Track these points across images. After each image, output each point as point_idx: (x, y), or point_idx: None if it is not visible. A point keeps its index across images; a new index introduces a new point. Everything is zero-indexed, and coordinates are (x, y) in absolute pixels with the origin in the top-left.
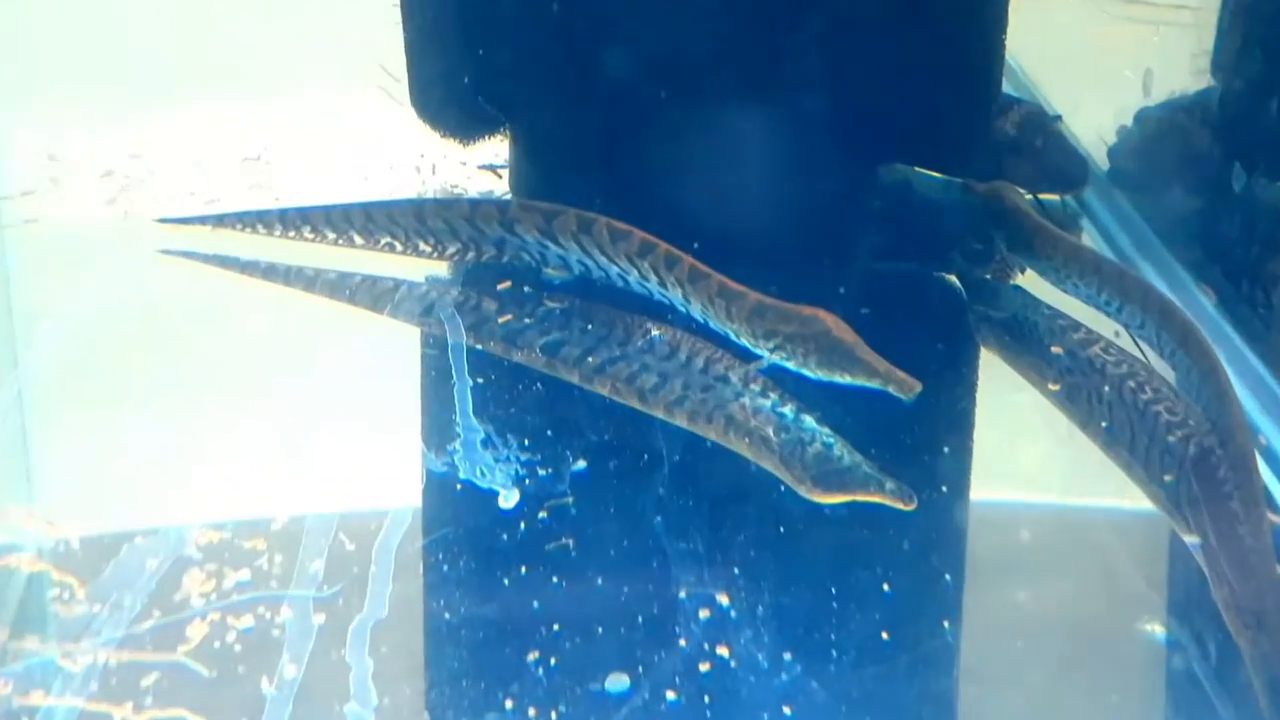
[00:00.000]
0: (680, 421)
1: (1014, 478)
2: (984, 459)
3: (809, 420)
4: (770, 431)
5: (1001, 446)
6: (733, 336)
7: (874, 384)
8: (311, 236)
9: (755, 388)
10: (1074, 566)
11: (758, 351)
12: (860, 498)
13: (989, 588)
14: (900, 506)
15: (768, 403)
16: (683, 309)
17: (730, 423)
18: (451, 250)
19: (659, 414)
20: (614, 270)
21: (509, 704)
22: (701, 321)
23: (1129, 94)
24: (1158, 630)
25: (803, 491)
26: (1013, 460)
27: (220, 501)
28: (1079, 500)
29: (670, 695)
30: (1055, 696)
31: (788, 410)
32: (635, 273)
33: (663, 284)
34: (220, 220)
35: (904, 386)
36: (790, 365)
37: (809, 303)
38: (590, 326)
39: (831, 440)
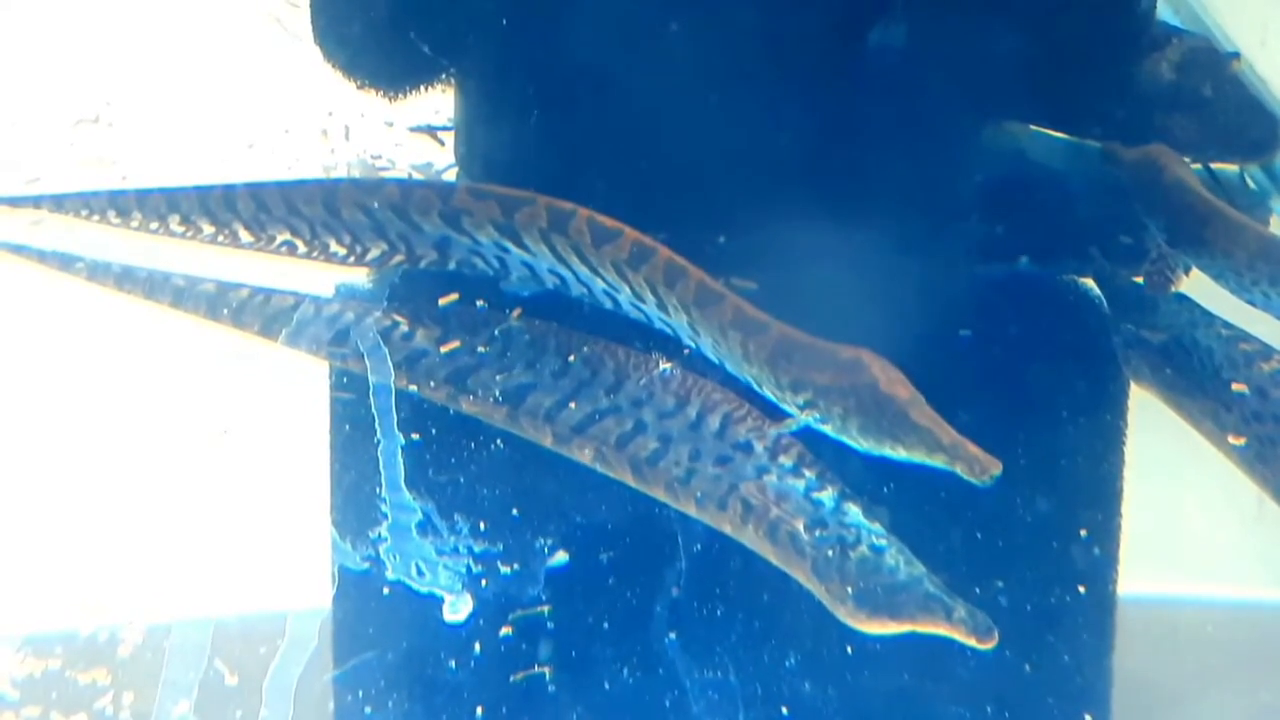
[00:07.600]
0: (686, 507)
1: (1181, 567)
2: (1138, 544)
3: (854, 511)
4: (800, 527)
5: (1162, 526)
6: (755, 385)
7: (935, 461)
8: (181, 230)
9: (786, 461)
10: (1265, 680)
11: (786, 408)
12: (918, 627)
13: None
14: (973, 643)
15: (800, 484)
16: (690, 343)
17: (749, 512)
18: (374, 253)
19: (658, 494)
20: (598, 285)
21: None
22: (717, 363)
23: None
24: None
25: (841, 615)
26: (1178, 544)
27: (43, 611)
28: (1272, 595)
29: None
30: None
31: (826, 496)
32: (627, 289)
33: (663, 307)
34: (57, 204)
35: (976, 466)
36: (828, 430)
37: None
38: (571, 362)
39: (883, 542)
